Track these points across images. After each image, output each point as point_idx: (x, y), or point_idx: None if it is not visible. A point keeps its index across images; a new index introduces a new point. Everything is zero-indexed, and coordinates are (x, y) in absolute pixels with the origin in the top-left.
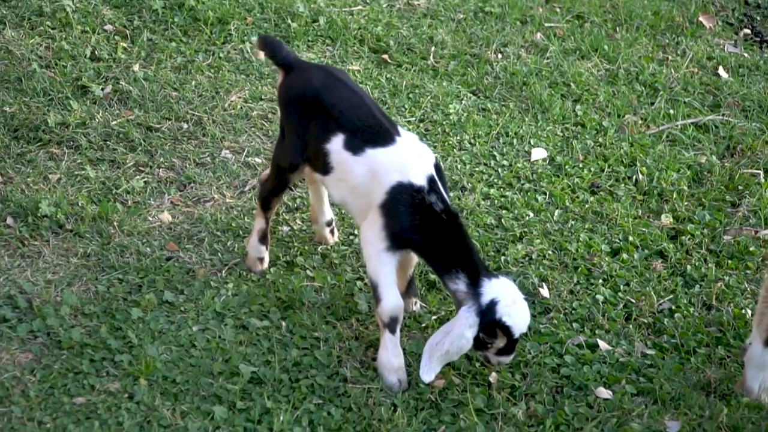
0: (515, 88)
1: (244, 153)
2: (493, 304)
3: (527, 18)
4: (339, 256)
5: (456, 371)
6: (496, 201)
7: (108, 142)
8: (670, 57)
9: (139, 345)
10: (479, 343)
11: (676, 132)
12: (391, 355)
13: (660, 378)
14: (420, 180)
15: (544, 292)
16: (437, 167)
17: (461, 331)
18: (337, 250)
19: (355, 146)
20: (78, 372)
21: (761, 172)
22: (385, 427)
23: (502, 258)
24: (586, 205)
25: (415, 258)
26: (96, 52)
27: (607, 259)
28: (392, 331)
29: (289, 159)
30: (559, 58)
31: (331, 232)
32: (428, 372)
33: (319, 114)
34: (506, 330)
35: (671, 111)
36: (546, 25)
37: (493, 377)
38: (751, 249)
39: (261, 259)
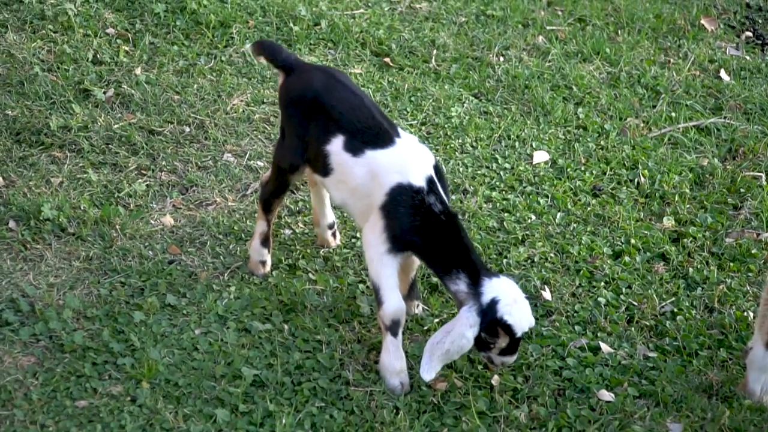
0: (517, 91)
1: (246, 156)
2: (494, 303)
3: (529, 21)
4: (341, 259)
5: (458, 374)
6: (498, 204)
7: (110, 146)
8: (671, 60)
9: (142, 348)
10: (481, 344)
11: (678, 135)
12: (393, 358)
13: (662, 380)
14: (419, 181)
15: (546, 294)
16: (437, 168)
17: (462, 330)
18: (339, 253)
19: (354, 148)
20: (80, 375)
21: (763, 175)
22: (388, 430)
23: (504, 261)
24: (588, 208)
25: (417, 261)
26: (98, 56)
27: (609, 261)
28: (394, 334)
29: (290, 160)
30: (560, 61)
31: (333, 235)
32: (428, 371)
33: (320, 115)
34: (508, 329)
35: (673, 114)
36: (548, 28)
37: (495, 380)
38: (753, 251)
39: (263, 263)
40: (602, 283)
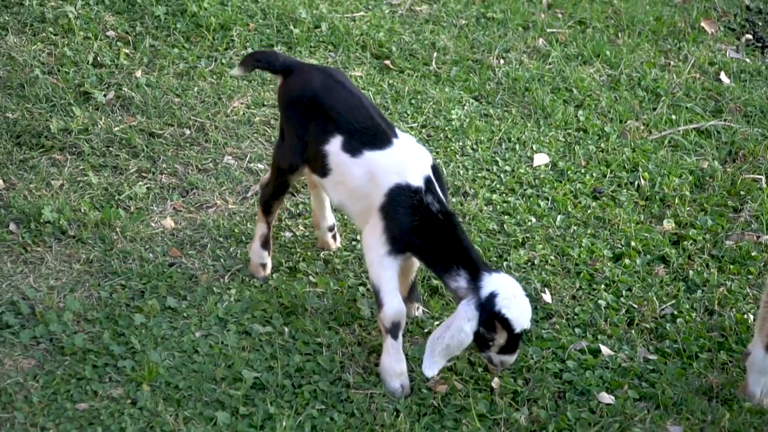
0: (517, 94)
1: (247, 159)
2: (492, 296)
3: (529, 24)
4: (341, 262)
5: (458, 376)
6: (498, 206)
7: (110, 148)
8: (672, 62)
9: (142, 351)
10: (481, 341)
11: (678, 137)
12: (393, 360)
13: (662, 383)
14: (417, 181)
15: (547, 297)
16: (434, 168)
17: (460, 324)
18: (340, 255)
19: (353, 148)
20: (81, 378)
21: (763, 177)
22: None
23: (505, 263)
24: (589, 211)
25: (416, 263)
26: (98, 59)
27: (609, 264)
28: (395, 337)
29: (289, 160)
30: (561, 64)
31: (334, 237)
32: (430, 366)
33: (318, 115)
34: (506, 323)
35: (673, 116)
36: (548, 30)
37: (495, 382)
38: (753, 254)
39: (264, 265)
40: (602, 286)
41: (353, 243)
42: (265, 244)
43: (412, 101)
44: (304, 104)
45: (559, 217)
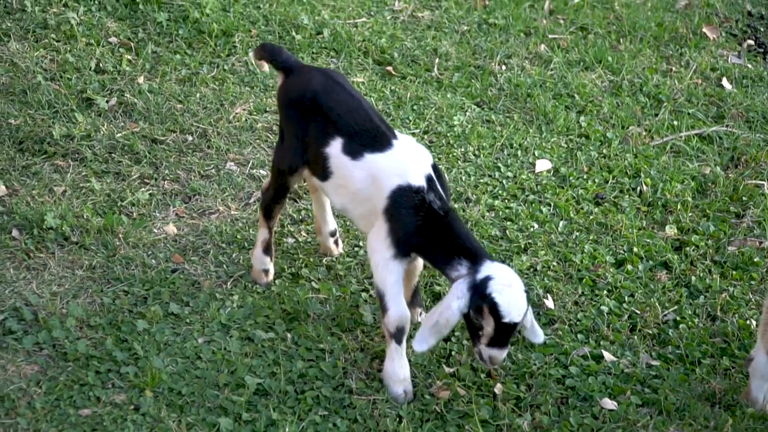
0: (519, 100)
1: (249, 165)
2: (486, 279)
3: (531, 30)
4: (344, 268)
5: (461, 382)
6: (500, 212)
7: (113, 155)
8: (673, 68)
9: (145, 357)
10: (471, 328)
11: (680, 143)
12: (396, 365)
13: (665, 389)
14: (419, 180)
15: (549, 303)
16: (435, 167)
17: (449, 301)
18: (342, 261)
19: (353, 150)
20: (84, 384)
21: (765, 183)
22: None
23: None
24: (591, 217)
25: (419, 267)
26: (101, 65)
27: (611, 270)
28: (398, 342)
29: (289, 161)
30: (563, 70)
31: (336, 243)
32: (420, 342)
33: (318, 117)
34: (494, 308)
35: (675, 122)
36: (550, 36)
37: (498, 388)
38: (755, 260)
39: (266, 271)
40: (605, 292)
41: (356, 249)
42: (267, 250)
43: (414, 107)
44: (304, 105)
45: (561, 223)
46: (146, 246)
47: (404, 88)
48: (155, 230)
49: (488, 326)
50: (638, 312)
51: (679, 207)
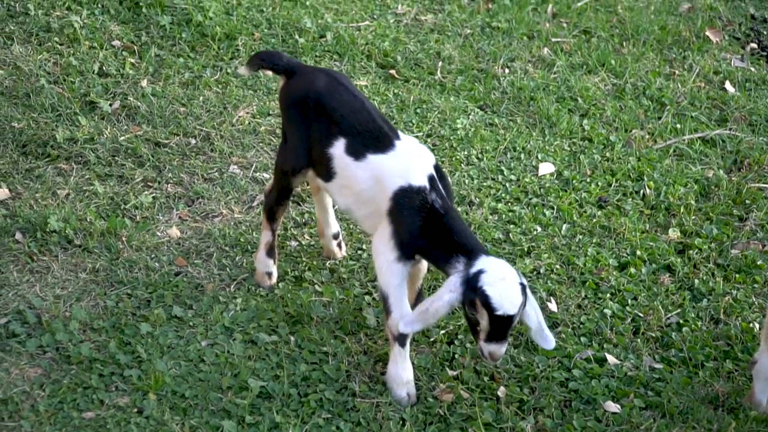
0: (522, 103)
1: (252, 168)
2: (479, 273)
3: (534, 33)
4: (347, 271)
5: (464, 385)
6: (503, 216)
7: (116, 158)
8: (676, 72)
9: (148, 360)
10: (471, 325)
11: (683, 146)
12: (400, 368)
13: (668, 392)
14: (421, 180)
15: (552, 306)
16: (437, 168)
17: (442, 292)
18: (345, 264)
19: (356, 151)
20: (87, 387)
21: None
22: None
23: None
24: (594, 220)
25: (423, 270)
26: (104, 68)
27: (614, 273)
28: (402, 345)
29: (292, 163)
30: (566, 73)
31: (339, 245)
32: (406, 323)
33: (322, 117)
34: (486, 301)
35: (678, 125)
36: (553, 40)
37: (501, 391)
38: (758, 263)
39: (269, 274)
40: (608, 295)
41: (359, 252)
42: (270, 253)
43: (417, 110)
44: (307, 106)
45: (564, 226)
46: (149, 249)
47: (407, 92)
48: (158, 233)
49: (483, 320)
50: (641, 315)
51: (682, 210)
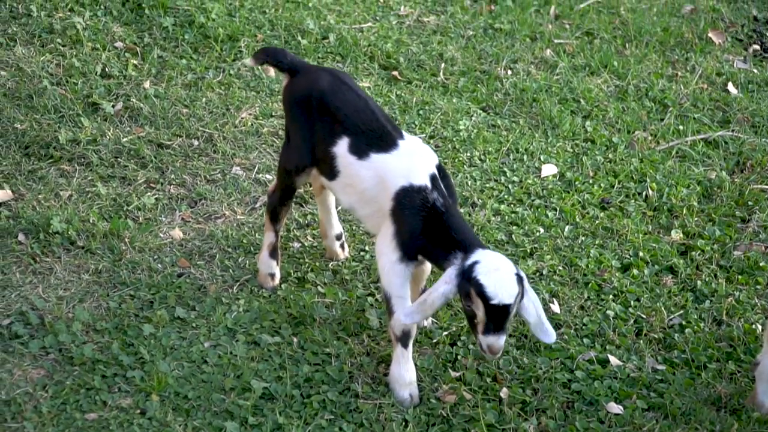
0: (525, 105)
1: (255, 170)
2: (474, 264)
3: (537, 35)
4: (350, 272)
5: (467, 386)
6: (506, 217)
7: (119, 159)
8: (679, 73)
9: (151, 361)
10: (469, 320)
11: (685, 148)
12: (403, 369)
13: (671, 393)
14: (422, 180)
15: (555, 307)
16: (440, 168)
17: (438, 285)
18: (348, 266)
19: (360, 150)
20: (90, 388)
21: None
22: None
23: None
24: (597, 221)
25: (427, 271)
26: (107, 69)
27: (617, 274)
28: (405, 346)
29: (295, 161)
30: (568, 75)
31: (342, 246)
32: (406, 314)
33: (325, 116)
34: (480, 290)
35: (681, 127)
36: (555, 41)
37: (504, 393)
38: (761, 264)
39: (272, 275)
40: (611, 296)
41: (361, 253)
42: (273, 254)
43: (420, 112)
44: (310, 105)
45: (567, 228)
46: (152, 250)
47: (410, 93)
48: (161, 235)
49: (479, 311)
50: (644, 316)
51: (684, 211)
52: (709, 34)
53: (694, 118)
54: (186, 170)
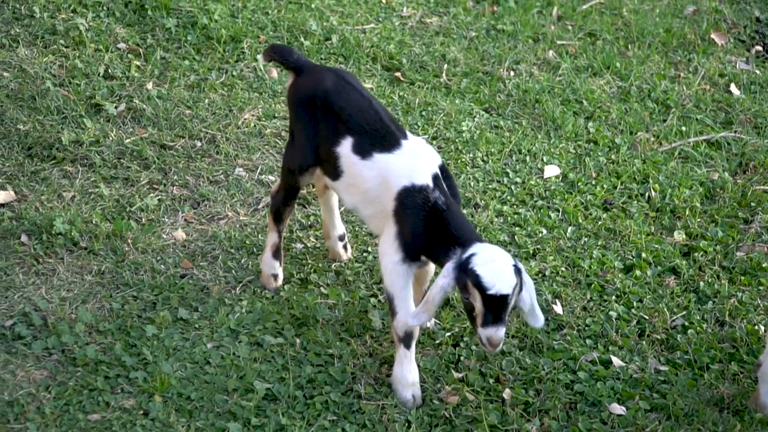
0: (528, 106)
1: (258, 171)
2: (471, 256)
3: (539, 36)
4: (353, 273)
5: (470, 387)
6: (509, 218)
7: (122, 160)
8: (682, 74)
9: (154, 362)
10: (468, 314)
11: (688, 149)
12: (405, 370)
13: (673, 394)
14: (424, 179)
15: (558, 308)
16: (443, 169)
17: (438, 279)
18: (351, 267)
19: (363, 150)
20: (93, 389)
21: None
22: None
23: None
24: (599, 222)
25: (430, 272)
26: (109, 71)
27: (620, 275)
28: (407, 346)
29: (299, 161)
30: (571, 76)
31: (344, 247)
32: (413, 316)
33: (329, 116)
34: (477, 280)
35: (683, 128)
36: (558, 42)
37: (507, 394)
38: (763, 265)
39: (275, 276)
40: (613, 297)
41: (364, 254)
42: (276, 254)
43: (423, 113)
44: (315, 104)
45: (569, 229)
46: (155, 251)
47: (413, 94)
48: (164, 236)
49: (477, 302)
50: (647, 317)
51: (687, 212)
52: (712, 36)
53: (697, 119)
54: (189, 171)
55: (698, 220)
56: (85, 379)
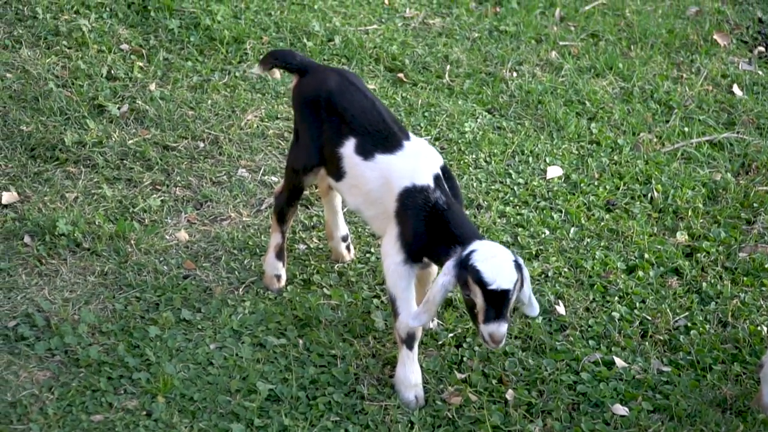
0: (530, 107)
1: (261, 172)
2: (471, 253)
3: (542, 37)
4: (355, 274)
5: (473, 388)
6: (512, 219)
7: (125, 161)
8: (684, 75)
9: (157, 363)
10: (470, 311)
11: (691, 150)
12: (408, 371)
13: (676, 395)
14: (425, 180)
15: (560, 309)
16: (445, 170)
17: (438, 278)
18: (354, 268)
19: (365, 151)
20: (96, 390)
21: None
22: None
23: None
24: (602, 223)
25: (433, 273)
26: (112, 72)
27: (622, 276)
28: (410, 347)
29: (303, 161)
30: (573, 77)
31: (347, 248)
32: (414, 317)
33: (333, 117)
34: (477, 276)
35: (686, 129)
36: (561, 43)
37: (509, 394)
38: (766, 266)
39: (278, 277)
40: (616, 298)
41: (367, 255)
42: (279, 255)
43: (426, 114)
44: (319, 105)
45: (572, 230)
46: (158, 252)
47: (415, 95)
48: (167, 237)
49: (478, 299)
50: (649, 318)
51: (690, 213)
52: (714, 36)
53: (700, 120)
54: (192, 172)
55: (701, 220)
56: (88, 380)
